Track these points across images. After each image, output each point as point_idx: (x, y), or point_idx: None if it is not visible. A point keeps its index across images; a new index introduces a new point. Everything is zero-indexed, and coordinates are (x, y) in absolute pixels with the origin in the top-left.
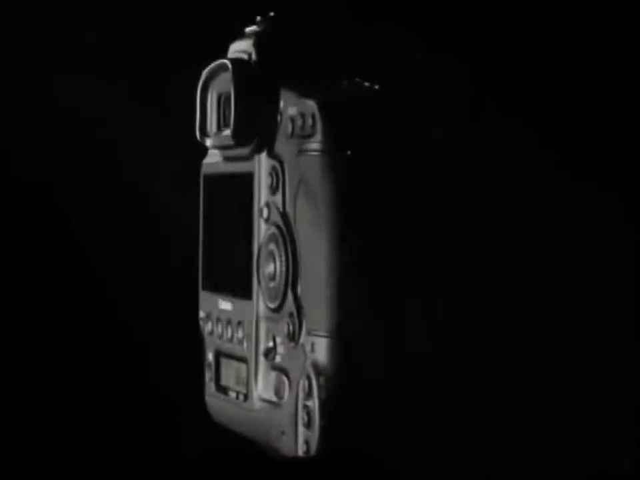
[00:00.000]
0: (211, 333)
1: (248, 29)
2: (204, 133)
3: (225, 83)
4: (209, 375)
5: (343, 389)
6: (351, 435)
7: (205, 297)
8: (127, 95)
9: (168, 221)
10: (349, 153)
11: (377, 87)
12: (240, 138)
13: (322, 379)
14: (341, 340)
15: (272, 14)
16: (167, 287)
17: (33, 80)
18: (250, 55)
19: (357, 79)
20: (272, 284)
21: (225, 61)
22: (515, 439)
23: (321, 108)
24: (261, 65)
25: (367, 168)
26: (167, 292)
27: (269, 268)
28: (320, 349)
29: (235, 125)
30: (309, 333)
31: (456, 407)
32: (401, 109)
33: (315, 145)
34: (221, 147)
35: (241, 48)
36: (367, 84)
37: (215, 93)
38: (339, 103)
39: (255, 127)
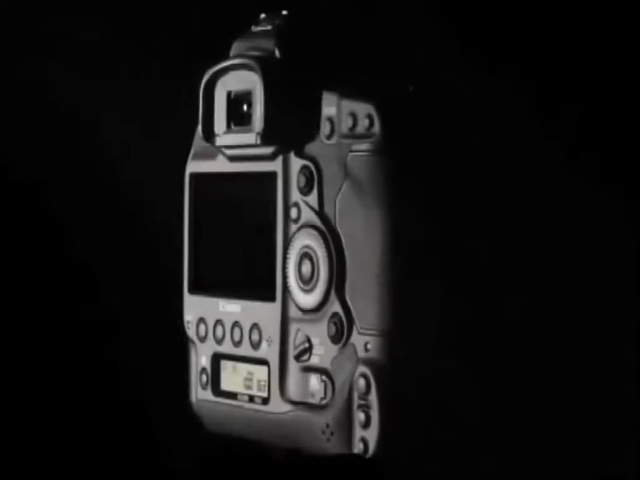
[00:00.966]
0: (205, 336)
1: (257, 28)
2: (211, 132)
3: (238, 81)
4: (202, 381)
5: (402, 387)
6: (409, 433)
7: (193, 301)
8: (118, 92)
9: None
10: (406, 152)
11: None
12: (270, 138)
13: (380, 378)
14: (398, 338)
15: (284, 12)
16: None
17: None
18: (271, 53)
19: (401, 79)
20: (308, 284)
21: (248, 60)
22: (520, 438)
23: (379, 109)
24: (289, 63)
25: (422, 168)
26: (154, 295)
27: (303, 268)
28: (376, 348)
29: (265, 124)
30: (360, 333)
31: (491, 403)
32: (446, 109)
33: (372, 145)
34: (234, 147)
35: (254, 45)
36: (408, 84)
37: (223, 91)
38: (395, 103)
39: (284, 126)
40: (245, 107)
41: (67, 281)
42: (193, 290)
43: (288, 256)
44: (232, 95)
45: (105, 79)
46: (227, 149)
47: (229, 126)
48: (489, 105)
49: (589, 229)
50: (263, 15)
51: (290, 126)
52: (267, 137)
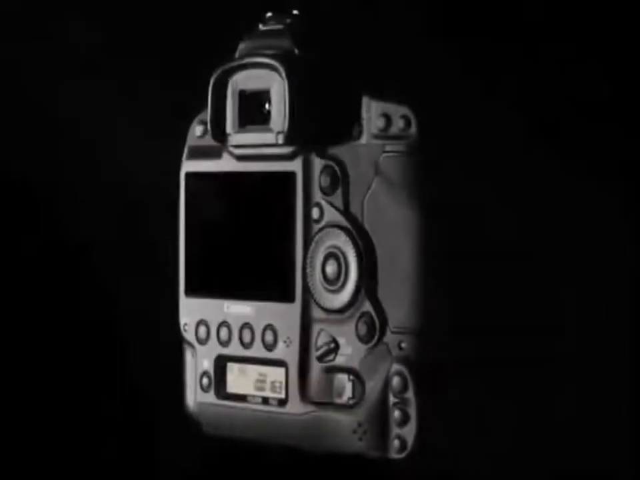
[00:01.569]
0: (206, 339)
1: (266, 27)
2: (221, 131)
3: (253, 80)
4: (203, 384)
5: (438, 384)
6: (445, 430)
7: (191, 303)
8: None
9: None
10: (441, 153)
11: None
12: (293, 138)
13: (417, 375)
14: (433, 336)
15: (295, 11)
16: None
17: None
18: (290, 51)
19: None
20: (335, 285)
21: (269, 59)
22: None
23: (416, 110)
24: (312, 62)
25: (457, 168)
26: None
27: (329, 268)
28: (411, 346)
29: (289, 124)
30: (394, 332)
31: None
32: (480, 110)
33: (408, 146)
34: (249, 146)
35: (268, 44)
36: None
37: (235, 90)
38: (431, 104)
39: (309, 126)
40: (260, 106)
41: (66, 282)
42: (190, 292)
43: (311, 256)
44: (246, 94)
45: (104, 78)
46: (239, 148)
47: (241, 125)
48: (522, 108)
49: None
50: (269, 14)
51: (315, 126)
52: (290, 137)
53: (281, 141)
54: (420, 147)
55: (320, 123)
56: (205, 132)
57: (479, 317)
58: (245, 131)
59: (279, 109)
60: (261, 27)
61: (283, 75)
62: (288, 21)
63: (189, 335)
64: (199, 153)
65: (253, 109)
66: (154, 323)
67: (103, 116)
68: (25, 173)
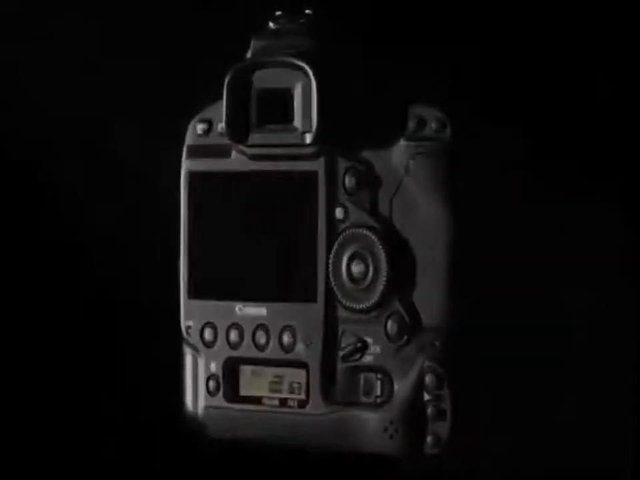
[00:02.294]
0: (213, 342)
1: (279, 26)
2: (239, 131)
3: (272, 79)
4: (210, 387)
5: (472, 381)
6: (479, 427)
7: (196, 305)
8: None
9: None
10: (475, 154)
11: None
12: (321, 138)
13: (452, 372)
14: (466, 333)
15: (308, 11)
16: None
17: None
18: (313, 51)
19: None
20: (362, 284)
21: (295, 58)
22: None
23: (450, 113)
24: (339, 62)
25: (490, 169)
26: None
27: (355, 268)
28: (445, 344)
29: (318, 125)
30: (426, 330)
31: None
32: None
33: (442, 147)
34: (268, 146)
35: (286, 43)
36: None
37: (251, 89)
38: (462, 107)
39: (337, 127)
40: (281, 105)
41: (66, 282)
42: (195, 294)
43: (335, 256)
44: (264, 93)
45: (105, 78)
46: (255, 147)
47: (259, 125)
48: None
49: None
50: (279, 13)
51: (343, 126)
52: (318, 138)
53: (308, 141)
54: (455, 149)
55: (350, 123)
56: (207, 130)
57: (511, 315)
58: (265, 130)
59: (303, 108)
60: (272, 25)
61: (310, 74)
62: (302, 20)
63: (192, 338)
64: (202, 151)
65: (273, 108)
66: (154, 323)
67: (102, 115)
68: (26, 173)
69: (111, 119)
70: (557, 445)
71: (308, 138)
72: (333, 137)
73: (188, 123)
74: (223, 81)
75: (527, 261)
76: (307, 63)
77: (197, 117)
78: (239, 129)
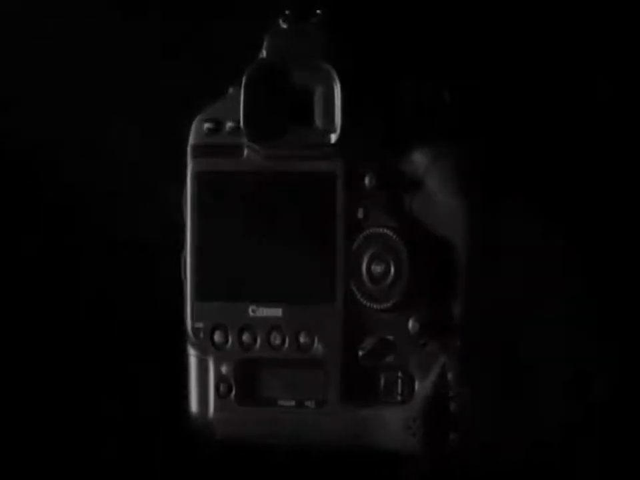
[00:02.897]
0: (224, 344)
1: (292, 25)
2: (258, 131)
3: (292, 78)
4: (221, 390)
5: (494, 378)
6: (499, 424)
7: (205, 307)
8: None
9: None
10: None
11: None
12: (344, 139)
13: (474, 370)
14: (486, 332)
15: (319, 11)
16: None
17: None
18: (330, 51)
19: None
20: (383, 284)
21: (318, 59)
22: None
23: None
24: (361, 62)
25: (508, 170)
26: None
27: (377, 268)
28: (466, 343)
29: (342, 126)
30: (447, 329)
31: None
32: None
33: (461, 149)
34: (287, 146)
35: (302, 43)
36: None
37: (272, 88)
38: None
39: (359, 127)
40: (301, 106)
41: (67, 282)
42: (204, 296)
43: (355, 256)
44: (284, 93)
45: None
46: (276, 148)
47: (279, 125)
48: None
49: None
50: (288, 12)
51: (365, 127)
52: (341, 137)
53: (332, 141)
54: (473, 151)
55: (372, 124)
56: (215, 129)
57: (531, 312)
58: (285, 130)
59: (324, 108)
60: (282, 25)
61: (334, 74)
62: (314, 19)
63: (200, 341)
64: (210, 151)
65: (293, 108)
66: (155, 323)
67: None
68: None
69: (108, 117)
70: (574, 443)
71: (332, 138)
72: (355, 136)
73: (181, 120)
74: (222, 80)
75: (548, 259)
76: (330, 63)
77: (202, 115)
78: (257, 129)
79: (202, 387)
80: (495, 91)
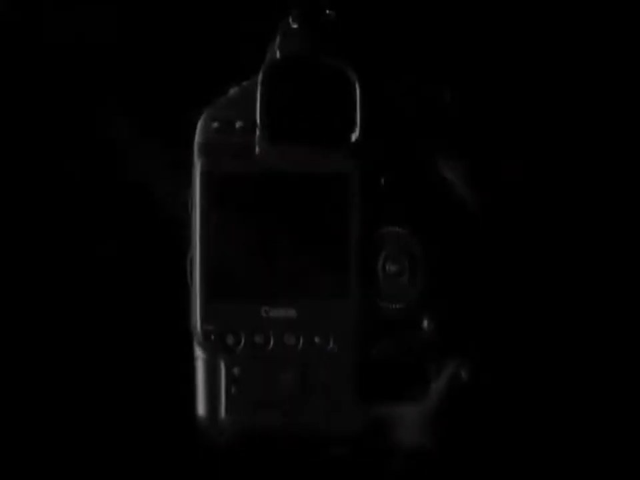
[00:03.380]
0: (236, 345)
1: (301, 26)
2: (274, 132)
3: (306, 79)
4: (232, 393)
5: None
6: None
7: (215, 309)
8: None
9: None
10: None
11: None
12: (363, 139)
13: (487, 368)
14: (499, 332)
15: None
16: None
17: None
18: (346, 51)
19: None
20: (397, 283)
21: (337, 60)
22: None
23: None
24: (379, 64)
25: (516, 168)
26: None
27: (391, 268)
28: (480, 341)
29: (361, 125)
30: (461, 328)
31: None
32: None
33: (475, 149)
34: (306, 146)
35: (312, 44)
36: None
37: (284, 89)
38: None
39: (377, 129)
40: (317, 107)
41: (67, 282)
42: (215, 298)
43: (369, 256)
44: (300, 94)
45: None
46: (290, 148)
47: (296, 124)
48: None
49: None
50: (297, 11)
51: (382, 127)
52: (360, 137)
53: (352, 140)
54: (480, 152)
55: (388, 126)
56: (224, 128)
57: (544, 311)
58: (301, 130)
59: (342, 108)
60: (293, 24)
61: (352, 74)
62: (325, 19)
63: (211, 343)
64: (219, 150)
65: (309, 108)
66: (156, 323)
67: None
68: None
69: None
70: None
71: (352, 138)
72: (373, 137)
73: (179, 117)
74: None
75: (559, 261)
76: (348, 64)
77: (209, 114)
78: (275, 130)
79: (211, 389)
80: (498, 91)
